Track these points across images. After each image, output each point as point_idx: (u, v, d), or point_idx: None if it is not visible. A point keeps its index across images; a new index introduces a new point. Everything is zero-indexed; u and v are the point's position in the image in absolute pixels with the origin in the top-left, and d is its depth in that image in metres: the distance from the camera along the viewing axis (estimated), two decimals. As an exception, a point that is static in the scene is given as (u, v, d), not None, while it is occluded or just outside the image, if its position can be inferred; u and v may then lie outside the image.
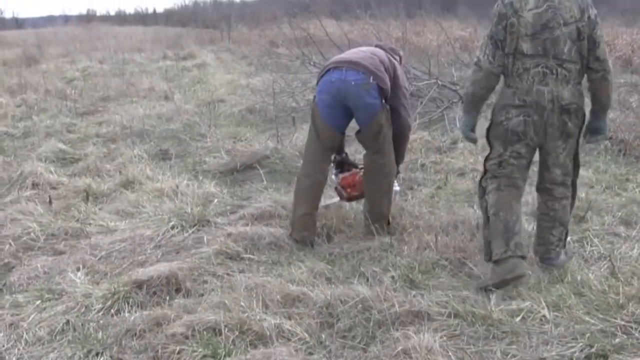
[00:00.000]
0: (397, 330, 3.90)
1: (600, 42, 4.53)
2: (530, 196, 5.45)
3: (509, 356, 3.68)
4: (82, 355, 3.77)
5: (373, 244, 5.17)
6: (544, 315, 3.99)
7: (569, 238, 4.98)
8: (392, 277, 4.58)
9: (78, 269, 4.89)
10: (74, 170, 7.91)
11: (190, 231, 5.68)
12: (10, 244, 5.51)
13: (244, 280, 4.54)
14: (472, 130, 4.90)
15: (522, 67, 4.51)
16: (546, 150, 4.67)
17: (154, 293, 4.43)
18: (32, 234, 5.68)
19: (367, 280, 4.56)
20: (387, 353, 3.67)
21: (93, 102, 13.14)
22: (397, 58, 5.78)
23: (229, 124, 10.36)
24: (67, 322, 4.12)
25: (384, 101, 5.38)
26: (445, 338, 3.81)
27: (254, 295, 4.26)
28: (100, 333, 3.98)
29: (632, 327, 3.87)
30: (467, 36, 19.08)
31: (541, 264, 4.79)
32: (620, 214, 5.78)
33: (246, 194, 6.82)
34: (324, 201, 5.83)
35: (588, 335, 3.79)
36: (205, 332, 3.86)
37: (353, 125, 5.59)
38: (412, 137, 8.25)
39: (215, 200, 6.47)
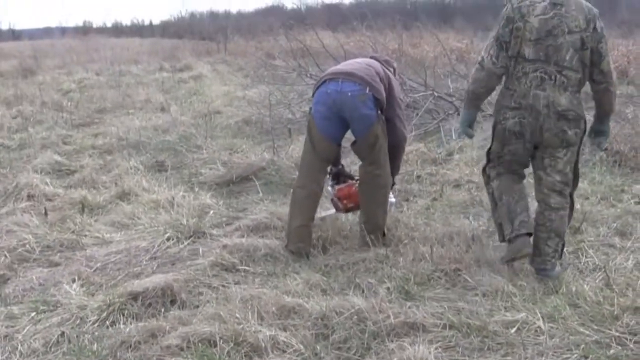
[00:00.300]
0: (392, 341, 3.90)
1: (605, 55, 4.66)
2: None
3: (504, 367, 3.69)
4: (77, 367, 3.77)
5: (368, 256, 5.16)
6: (539, 327, 3.99)
7: (565, 249, 5.01)
8: (388, 288, 4.58)
9: (73, 281, 4.90)
10: (70, 182, 7.91)
11: (185, 243, 5.68)
12: (5, 256, 5.49)
13: (239, 291, 4.54)
14: (470, 126, 5.13)
15: (522, 70, 4.67)
16: (544, 154, 4.80)
17: (149, 305, 4.43)
18: (27, 246, 5.66)
19: (363, 291, 4.55)
20: (383, 364, 3.68)
21: (89, 113, 13.14)
22: (392, 69, 5.81)
23: (225, 135, 10.35)
24: (62, 333, 4.12)
25: (379, 112, 5.39)
26: (440, 349, 3.81)
27: (250, 307, 4.25)
28: (95, 345, 3.98)
29: (626, 339, 3.88)
30: (464, 47, 19.09)
31: (536, 275, 4.81)
32: (615, 225, 5.79)
33: (242, 206, 6.83)
34: (320, 213, 5.83)
35: (583, 346, 3.80)
36: (200, 344, 3.86)
37: (349, 136, 5.59)
38: (408, 148, 8.25)
39: (211, 212, 6.47)
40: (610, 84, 4.76)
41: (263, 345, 3.83)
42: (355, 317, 4.12)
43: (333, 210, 6.04)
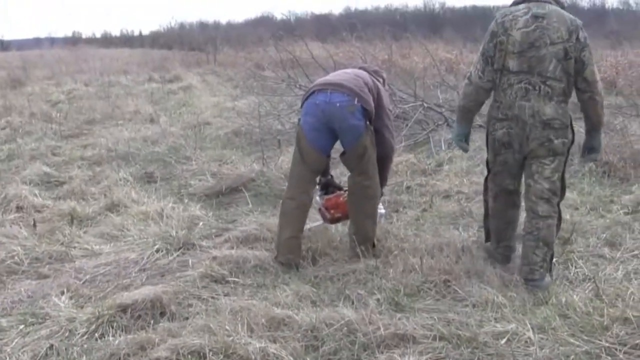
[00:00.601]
0: (382, 353, 3.89)
1: (589, 64, 4.74)
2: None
3: (494, 379, 3.69)
4: (65, 380, 3.75)
5: (358, 267, 5.16)
6: (529, 338, 3.98)
7: (554, 260, 5.03)
8: (378, 299, 4.57)
9: (62, 293, 4.86)
10: (59, 194, 7.87)
11: (175, 254, 5.67)
12: (-7, 268, 5.46)
13: (228, 303, 4.52)
14: (465, 140, 5.27)
15: (507, 82, 4.80)
16: (532, 162, 4.89)
17: (139, 317, 4.40)
18: (16, 258, 5.63)
19: (353, 303, 4.54)
20: (372, 376, 3.67)
21: (78, 124, 13.10)
22: (381, 80, 5.82)
23: (214, 146, 10.34)
24: (51, 346, 4.09)
25: (368, 123, 5.40)
26: (430, 361, 3.81)
27: (239, 319, 4.23)
28: (84, 357, 3.95)
29: (616, 349, 3.88)
30: (453, 58, 19.18)
31: (525, 284, 4.83)
32: (604, 235, 5.80)
33: (231, 217, 6.81)
34: (308, 224, 5.83)
35: (573, 357, 3.80)
36: (189, 356, 3.83)
37: (338, 147, 5.60)
38: (397, 159, 8.31)
39: (201, 224, 6.46)
40: (595, 93, 4.84)
41: (253, 357, 3.81)
42: (345, 328, 4.11)
43: (321, 221, 6.04)
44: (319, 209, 5.94)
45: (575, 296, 4.50)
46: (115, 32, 65.77)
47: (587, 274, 4.98)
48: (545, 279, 4.86)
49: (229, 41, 34.31)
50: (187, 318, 4.43)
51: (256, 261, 5.32)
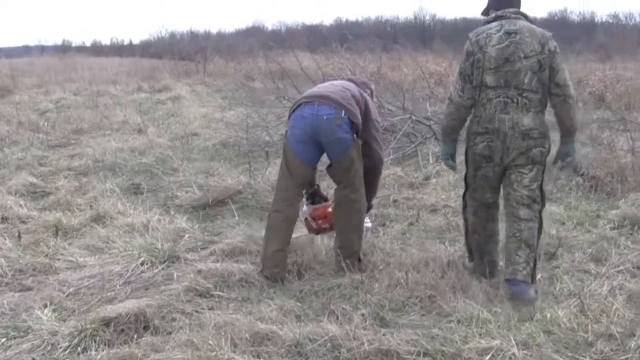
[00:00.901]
0: (366, 369, 3.88)
1: (559, 69, 4.95)
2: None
3: (478, 396, 3.67)
4: (46, 395, 3.72)
5: (344, 281, 5.14)
6: (513, 354, 3.97)
7: (538, 276, 5.04)
8: (362, 315, 4.55)
9: (45, 306, 4.82)
10: (45, 204, 7.84)
11: (160, 267, 5.64)
12: (-24, 280, 5.42)
13: (213, 317, 4.50)
14: (452, 158, 5.38)
15: (486, 97, 4.97)
16: (511, 171, 5.05)
17: (122, 331, 4.37)
18: (-1, 269, 5.60)
19: (337, 318, 4.53)
20: (356, 393, 3.65)
21: (66, 134, 13.07)
22: (369, 91, 5.84)
23: (202, 158, 10.33)
24: (33, 360, 4.06)
25: (355, 135, 5.41)
26: (414, 377, 3.81)
27: (223, 334, 4.21)
28: (66, 372, 3.93)
29: (600, 366, 3.88)
30: (442, 71, 19.23)
31: (506, 284, 4.94)
32: (590, 250, 5.81)
33: (217, 230, 6.80)
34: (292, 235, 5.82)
35: (557, 374, 3.79)
36: (172, 372, 3.82)
37: (324, 159, 5.59)
38: (385, 172, 8.29)
39: (186, 236, 6.43)
40: (568, 96, 4.98)
41: (236, 372, 3.80)
42: (329, 344, 4.11)
43: (305, 232, 6.02)
44: (305, 219, 5.92)
45: (560, 312, 4.49)
46: (106, 41, 65.65)
47: (572, 289, 4.98)
48: (530, 290, 4.89)
49: (219, 51, 34.26)
50: (170, 332, 4.40)
51: (241, 275, 5.30)
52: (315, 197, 5.95)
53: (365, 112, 5.51)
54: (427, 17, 62.75)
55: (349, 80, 5.95)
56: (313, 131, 5.33)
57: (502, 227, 5.31)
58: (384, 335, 4.21)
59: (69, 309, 4.85)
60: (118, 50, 54.73)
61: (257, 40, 34.35)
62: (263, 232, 5.64)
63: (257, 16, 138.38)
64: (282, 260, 5.43)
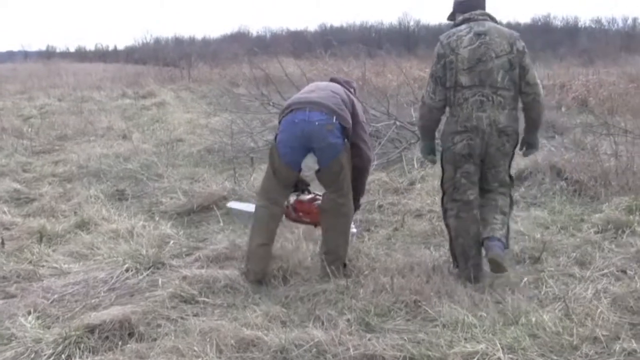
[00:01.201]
0: (351, 374, 3.88)
1: (529, 69, 5.26)
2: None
3: (463, 400, 3.68)
4: (30, 403, 3.70)
5: (329, 287, 5.13)
6: (499, 358, 3.98)
7: (524, 279, 5.11)
8: (348, 320, 4.55)
9: (29, 313, 4.79)
10: (29, 211, 7.81)
11: (145, 274, 5.61)
12: (-41, 287, 5.39)
13: (198, 324, 4.50)
14: (431, 152, 5.67)
15: (462, 97, 5.18)
16: (487, 166, 5.34)
17: (106, 338, 4.35)
18: (-18, 277, 5.57)
19: (323, 323, 4.53)
20: (342, 398, 3.65)
21: (50, 140, 13.03)
22: (352, 90, 5.87)
23: (187, 164, 10.30)
24: (16, 368, 4.04)
25: (345, 140, 5.45)
26: (400, 382, 3.81)
27: (208, 340, 4.21)
28: (50, 380, 3.91)
29: (585, 369, 3.89)
30: (427, 77, 19.21)
31: (485, 242, 5.23)
32: (575, 254, 5.82)
33: (202, 236, 6.79)
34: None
35: (542, 378, 3.81)
36: (157, 378, 3.81)
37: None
38: (370, 177, 8.28)
39: (171, 242, 6.41)
40: (538, 94, 5.30)
41: (221, 379, 3.79)
42: (315, 349, 4.12)
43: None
44: (286, 206, 5.90)
45: (545, 316, 4.50)
46: (90, 47, 65.49)
47: (557, 293, 5.00)
48: (504, 250, 5.27)
49: (204, 57, 34.22)
50: (155, 339, 4.39)
51: (226, 281, 5.28)
52: (299, 183, 5.91)
53: (353, 115, 5.54)
54: (412, 23, 63.07)
55: (332, 80, 5.99)
56: (304, 137, 5.35)
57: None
58: (369, 340, 4.22)
59: (53, 316, 4.83)
60: (102, 56, 54.59)
61: (242, 46, 34.33)
62: (247, 238, 5.66)
63: (242, 22, 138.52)
64: (266, 255, 5.47)
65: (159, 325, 4.61)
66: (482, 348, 4.06)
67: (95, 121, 15.05)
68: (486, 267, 5.38)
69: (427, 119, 5.45)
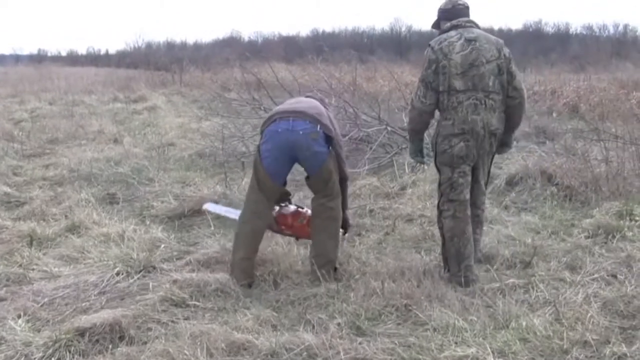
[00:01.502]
0: (342, 378, 3.88)
1: (516, 74, 5.45)
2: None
3: (453, 404, 3.68)
4: (20, 406, 3.69)
5: (320, 291, 5.14)
6: (489, 362, 3.99)
7: (516, 284, 5.17)
8: (339, 324, 4.55)
9: (19, 316, 4.77)
10: (19, 214, 7.78)
11: (135, 277, 5.60)
12: (-51, 290, 5.36)
13: (188, 327, 4.49)
14: (419, 153, 5.77)
15: (456, 101, 5.28)
16: (477, 167, 5.53)
17: (97, 341, 4.34)
18: (-28, 280, 5.55)
19: (313, 327, 4.52)
20: (332, 402, 3.65)
21: (41, 144, 12.98)
22: (329, 108, 5.92)
23: (178, 168, 10.29)
24: (6, 371, 4.03)
25: (330, 148, 5.47)
26: (390, 386, 3.81)
27: (199, 343, 4.20)
28: (40, 383, 3.90)
29: (575, 373, 3.90)
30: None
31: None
32: (565, 259, 5.83)
33: (193, 240, 6.77)
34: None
35: (532, 382, 3.81)
36: (147, 382, 3.80)
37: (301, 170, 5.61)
38: (361, 182, 8.37)
39: (162, 246, 6.40)
40: (523, 99, 5.50)
41: (211, 382, 3.78)
42: (305, 353, 4.12)
43: (235, 213, 6.12)
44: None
45: (535, 320, 4.51)
46: (82, 51, 65.49)
47: (547, 297, 5.00)
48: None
49: (196, 61, 34.26)
50: (146, 342, 4.37)
51: (217, 284, 5.27)
52: (282, 197, 5.92)
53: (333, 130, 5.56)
54: (403, 29, 63.18)
55: (308, 97, 6.06)
56: (289, 147, 5.37)
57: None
58: (360, 344, 4.22)
59: (43, 320, 4.81)
60: (94, 60, 54.64)
61: (233, 51, 34.38)
62: (232, 247, 5.68)
63: (234, 27, 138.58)
64: (248, 268, 5.47)
65: (149, 329, 4.60)
66: (472, 352, 4.07)
67: (87, 125, 15.00)
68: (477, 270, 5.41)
69: (416, 122, 5.52)
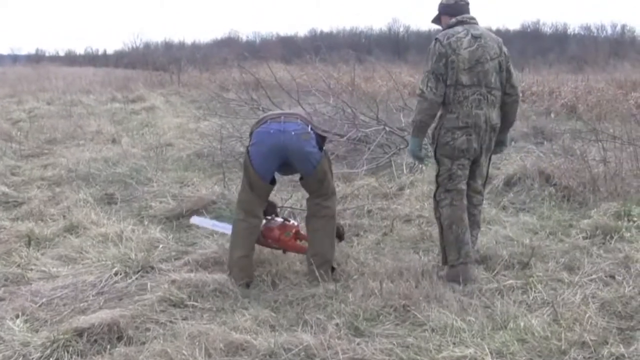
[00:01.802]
0: (340, 378, 3.88)
1: (513, 72, 5.66)
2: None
3: (452, 405, 3.68)
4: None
5: (318, 291, 5.15)
6: (487, 363, 4.00)
7: (514, 284, 5.20)
8: (337, 324, 4.56)
9: (17, 316, 4.77)
10: (17, 214, 7.78)
11: (134, 277, 5.60)
12: (-53, 291, 5.36)
13: (187, 328, 4.49)
14: (421, 149, 5.78)
15: (462, 95, 5.41)
16: (476, 163, 5.65)
17: (95, 341, 4.35)
18: (-30, 280, 5.54)
19: (312, 327, 4.52)
20: (330, 402, 3.65)
21: (39, 144, 12.96)
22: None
23: (176, 168, 10.27)
24: (4, 371, 4.03)
25: (322, 149, 5.53)
26: (388, 386, 3.81)
27: (197, 344, 4.21)
28: (38, 383, 3.90)
29: (573, 374, 3.90)
30: (416, 82, 19.25)
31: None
32: (563, 260, 5.83)
33: (191, 240, 6.77)
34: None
35: (530, 382, 3.81)
36: (146, 382, 3.80)
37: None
38: (359, 183, 8.39)
39: (160, 246, 6.40)
40: (519, 96, 5.74)
41: (210, 382, 3.78)
42: (304, 353, 4.12)
43: (223, 227, 6.26)
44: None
45: (533, 320, 4.52)
46: (80, 51, 65.46)
47: (545, 298, 5.01)
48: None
49: (194, 62, 34.24)
50: (144, 343, 4.38)
51: (215, 285, 5.27)
52: (269, 210, 5.96)
53: None
54: (402, 29, 63.17)
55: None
56: (280, 147, 5.39)
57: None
58: (358, 344, 4.23)
59: (41, 320, 4.81)
60: (92, 60, 54.60)
61: (231, 51, 34.32)
62: (228, 250, 5.69)
63: (232, 27, 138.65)
64: (246, 266, 5.48)
65: (147, 329, 4.60)
66: (470, 352, 4.08)
67: (85, 125, 14.98)
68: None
69: (426, 114, 5.49)
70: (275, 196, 7.61)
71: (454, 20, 5.57)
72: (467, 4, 5.67)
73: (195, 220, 6.97)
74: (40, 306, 5.04)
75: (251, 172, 5.51)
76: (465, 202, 5.60)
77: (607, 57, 32.51)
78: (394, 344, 4.26)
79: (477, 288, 5.20)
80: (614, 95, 15.97)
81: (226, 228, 6.19)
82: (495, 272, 5.54)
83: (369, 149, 9.89)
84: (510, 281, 5.31)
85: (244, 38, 64.93)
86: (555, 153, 9.41)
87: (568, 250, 6.11)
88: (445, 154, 5.53)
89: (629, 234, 6.38)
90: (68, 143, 13.13)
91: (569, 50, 42.64)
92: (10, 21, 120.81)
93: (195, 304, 5.03)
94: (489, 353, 4.07)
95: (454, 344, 4.26)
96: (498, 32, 5.96)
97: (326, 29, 71.32)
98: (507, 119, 5.73)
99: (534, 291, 5.15)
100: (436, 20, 5.81)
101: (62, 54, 62.73)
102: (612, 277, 5.44)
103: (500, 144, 5.86)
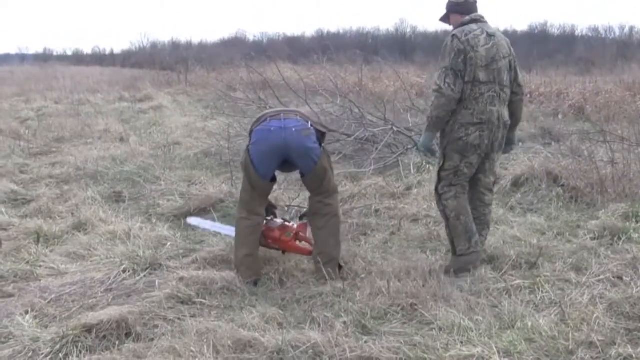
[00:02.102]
0: (348, 376, 3.88)
1: (519, 71, 5.78)
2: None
3: (459, 403, 3.69)
4: (28, 401, 3.70)
5: (325, 289, 5.15)
6: (494, 362, 4.00)
7: (522, 284, 5.18)
8: (344, 322, 4.56)
9: (26, 312, 4.81)
10: (26, 212, 7.82)
11: (142, 275, 5.63)
12: (-43, 287, 5.38)
13: (195, 325, 4.50)
14: (433, 145, 5.80)
15: (478, 92, 5.46)
16: (489, 159, 5.74)
17: (104, 337, 4.37)
18: (-20, 276, 5.56)
19: (319, 325, 4.53)
20: (338, 399, 3.66)
21: (47, 142, 13.03)
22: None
23: (184, 167, 10.30)
24: (14, 366, 4.04)
25: (322, 145, 5.56)
26: (396, 384, 3.81)
27: (205, 341, 4.22)
28: (48, 378, 3.91)
29: (581, 374, 3.90)
30: (423, 83, 19.26)
31: None
32: (571, 260, 5.82)
33: (199, 238, 6.78)
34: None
35: (538, 381, 3.81)
36: (154, 378, 3.81)
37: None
38: (366, 182, 8.38)
39: (168, 244, 6.42)
40: (524, 95, 5.94)
41: (218, 379, 3.79)
42: (311, 351, 4.12)
43: (222, 228, 6.35)
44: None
45: (541, 320, 4.51)
46: (87, 50, 65.53)
47: (553, 298, 5.00)
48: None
49: (201, 61, 34.27)
50: (152, 339, 4.40)
51: (223, 282, 5.29)
52: (269, 210, 5.98)
53: None
54: (408, 30, 63.09)
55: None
56: (281, 145, 5.39)
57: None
58: (365, 342, 4.24)
59: (51, 316, 4.84)
60: (99, 59, 54.67)
61: (238, 51, 34.36)
62: (234, 249, 5.70)
63: (239, 27, 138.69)
64: (253, 264, 5.50)
65: (156, 326, 4.63)
66: (478, 352, 4.07)
67: (92, 124, 15.04)
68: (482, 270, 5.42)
69: (443, 110, 5.47)
70: (283, 195, 7.65)
71: (467, 18, 5.61)
72: (476, 2, 5.72)
73: (192, 221, 6.98)
74: (49, 302, 5.07)
75: (252, 171, 5.51)
76: (467, 195, 5.72)
77: (614, 59, 32.42)
78: (401, 343, 4.25)
79: (484, 288, 5.20)
80: (622, 97, 15.95)
81: (223, 229, 6.22)
82: (502, 272, 5.51)
83: (376, 148, 9.88)
84: (518, 281, 5.30)
85: (251, 38, 64.94)
86: (563, 154, 9.39)
87: (576, 250, 6.10)
88: (457, 149, 5.57)
89: (636, 235, 6.35)
90: (76, 141, 13.18)
91: (577, 52, 42.52)
92: (18, 20, 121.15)
93: (203, 301, 5.05)
94: (496, 352, 4.06)
95: (462, 343, 4.25)
96: (505, 33, 5.96)
97: (333, 30, 71.38)
98: (514, 117, 5.82)
99: (542, 291, 5.14)
100: (444, 18, 5.84)
101: (69, 53, 62.88)
102: (620, 278, 5.42)
103: (509, 143, 5.95)
